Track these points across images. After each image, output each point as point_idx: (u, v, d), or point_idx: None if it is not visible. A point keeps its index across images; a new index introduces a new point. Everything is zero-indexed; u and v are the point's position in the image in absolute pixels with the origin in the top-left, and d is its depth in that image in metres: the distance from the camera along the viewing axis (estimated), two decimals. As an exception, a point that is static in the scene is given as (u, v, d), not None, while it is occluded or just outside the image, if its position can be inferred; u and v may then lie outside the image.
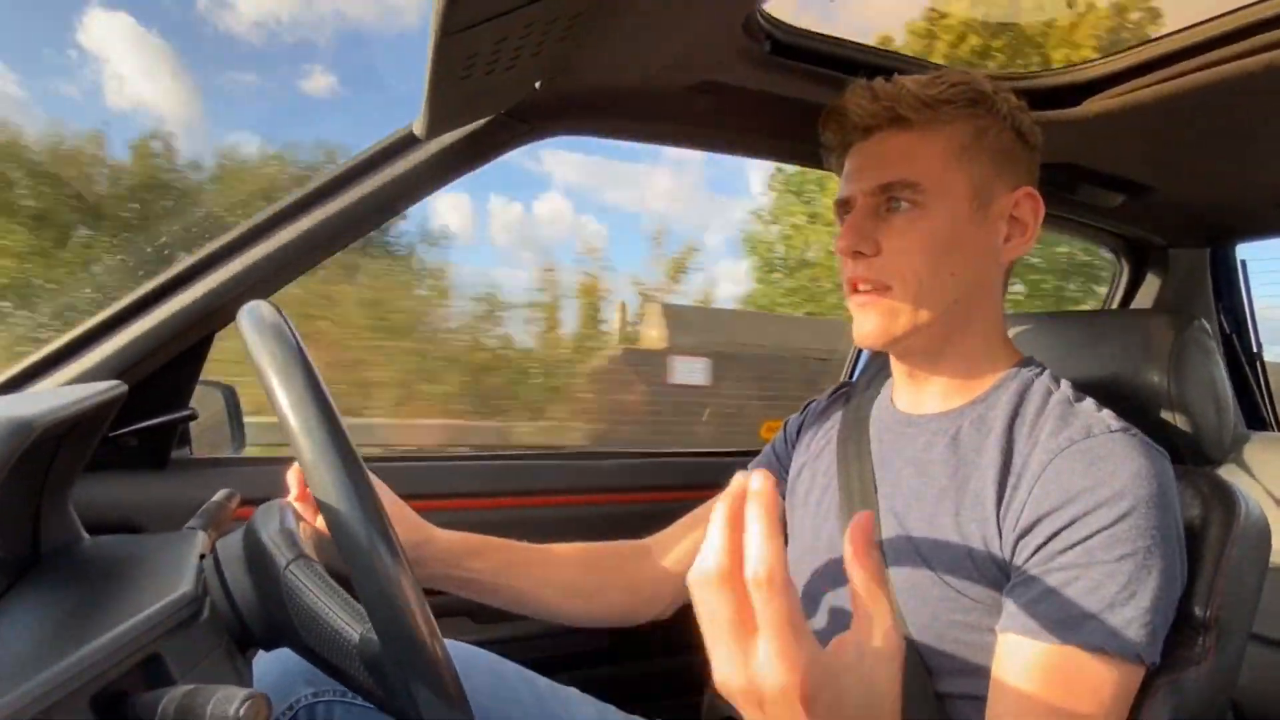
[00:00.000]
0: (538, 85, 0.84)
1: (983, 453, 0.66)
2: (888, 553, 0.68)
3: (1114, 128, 0.98)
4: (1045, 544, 0.60)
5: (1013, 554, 0.62)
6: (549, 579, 0.80)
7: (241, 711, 0.40)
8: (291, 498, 0.60)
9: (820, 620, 0.73)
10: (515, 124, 0.92)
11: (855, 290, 0.72)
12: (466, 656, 0.83)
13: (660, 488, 1.29)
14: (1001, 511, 0.63)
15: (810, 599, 0.75)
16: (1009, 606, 0.61)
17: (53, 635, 0.49)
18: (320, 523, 0.66)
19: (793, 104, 0.95)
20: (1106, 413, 0.65)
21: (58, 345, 0.86)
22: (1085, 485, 0.59)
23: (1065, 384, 0.69)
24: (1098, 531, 0.58)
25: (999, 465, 0.64)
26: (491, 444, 5.92)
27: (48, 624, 0.52)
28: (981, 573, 0.63)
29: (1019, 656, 0.59)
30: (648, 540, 0.90)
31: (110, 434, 0.89)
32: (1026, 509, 0.61)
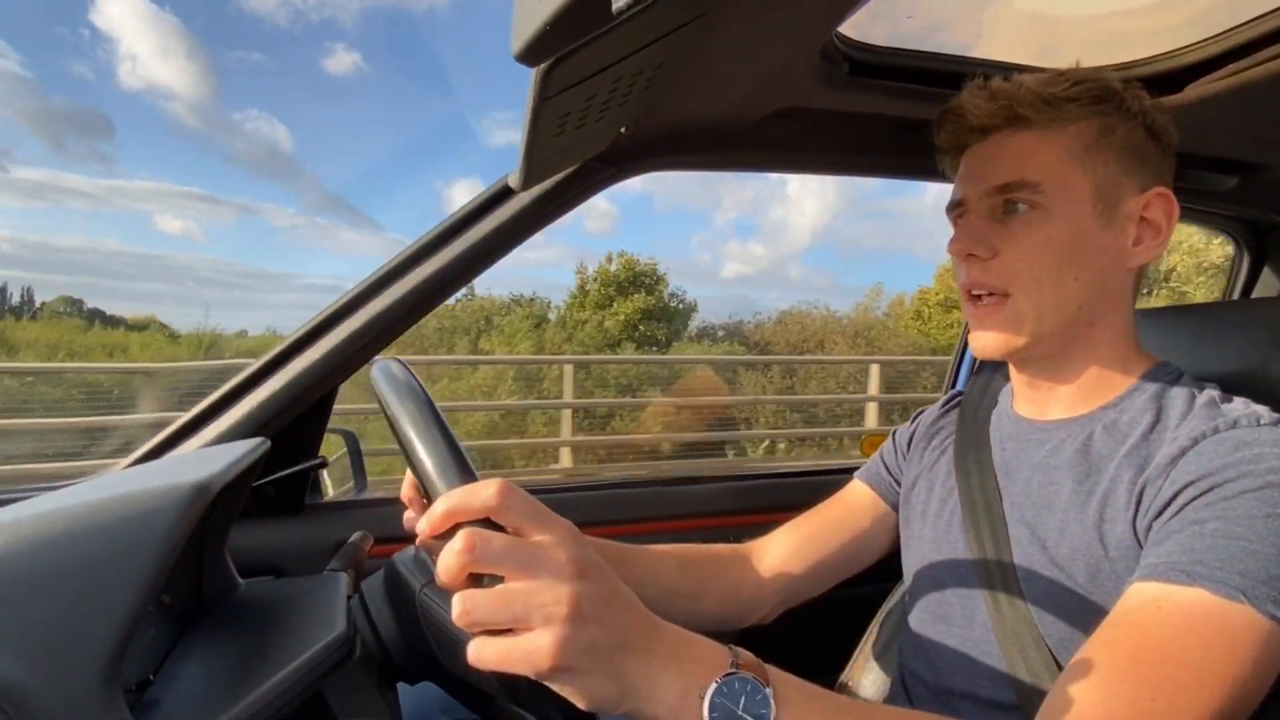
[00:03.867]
0: (623, 130, 0.88)
1: (1118, 457, 0.62)
2: (1020, 565, 0.65)
3: (1220, 110, 0.93)
4: (1182, 509, 0.54)
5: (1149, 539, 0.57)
6: (649, 578, 0.78)
7: None
8: (403, 495, 0.62)
9: (943, 628, 0.71)
10: (602, 167, 0.95)
11: (972, 297, 0.69)
12: None
13: (759, 509, 1.29)
14: (1140, 509, 0.58)
15: (932, 608, 0.74)
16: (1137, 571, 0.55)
17: (225, 679, 0.54)
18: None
19: (873, 120, 0.95)
20: (1261, 408, 0.59)
21: (203, 407, 0.94)
22: (1229, 463, 0.54)
23: (1211, 386, 0.64)
24: (1242, 493, 0.52)
25: (1136, 467, 0.60)
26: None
27: (219, 669, 0.57)
28: (1123, 583, 0.57)
29: (1133, 598, 0.52)
30: (746, 545, 0.89)
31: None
32: (1163, 491, 0.56)
